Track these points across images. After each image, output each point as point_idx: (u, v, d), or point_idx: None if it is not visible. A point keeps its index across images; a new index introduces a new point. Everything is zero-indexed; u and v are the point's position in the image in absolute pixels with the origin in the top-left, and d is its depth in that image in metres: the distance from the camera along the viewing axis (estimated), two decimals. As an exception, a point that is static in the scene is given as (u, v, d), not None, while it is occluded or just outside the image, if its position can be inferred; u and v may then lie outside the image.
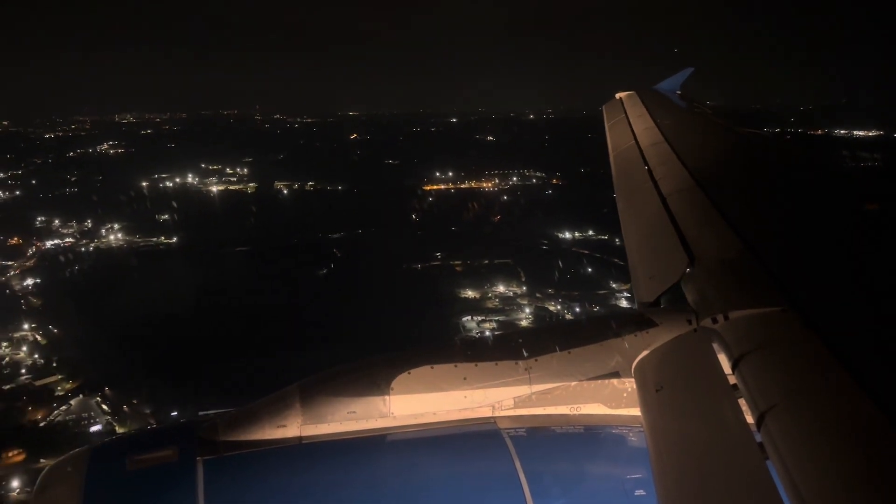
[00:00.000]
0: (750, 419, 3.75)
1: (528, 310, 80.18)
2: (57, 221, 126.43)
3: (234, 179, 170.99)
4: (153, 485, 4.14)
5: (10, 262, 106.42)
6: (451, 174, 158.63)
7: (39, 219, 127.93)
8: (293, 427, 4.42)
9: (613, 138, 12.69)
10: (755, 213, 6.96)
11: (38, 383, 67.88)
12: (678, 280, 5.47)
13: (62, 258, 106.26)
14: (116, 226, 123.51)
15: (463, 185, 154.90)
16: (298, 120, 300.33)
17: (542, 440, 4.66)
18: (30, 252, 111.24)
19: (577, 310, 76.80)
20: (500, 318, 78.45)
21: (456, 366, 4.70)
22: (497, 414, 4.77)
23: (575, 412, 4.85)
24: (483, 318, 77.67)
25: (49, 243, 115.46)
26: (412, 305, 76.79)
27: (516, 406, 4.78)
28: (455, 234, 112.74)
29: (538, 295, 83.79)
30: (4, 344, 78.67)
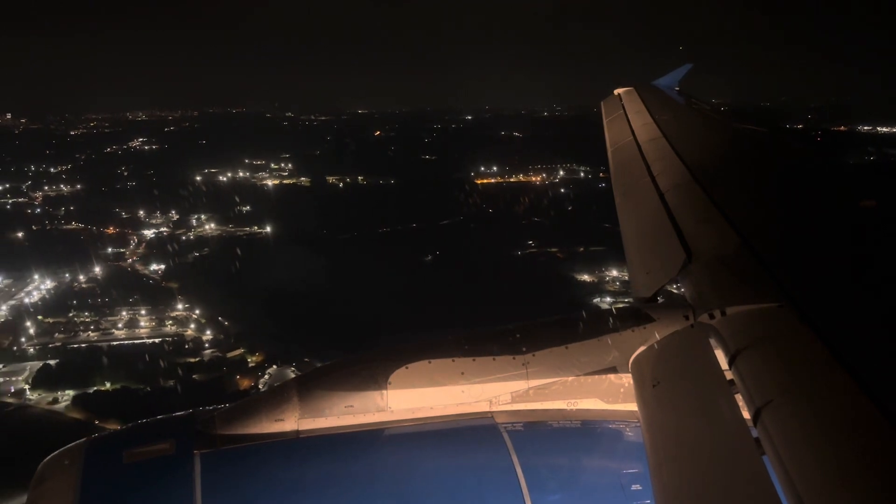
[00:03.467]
0: (746, 415, 3.64)
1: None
2: (141, 212, 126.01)
3: (286, 174, 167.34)
4: (150, 478, 4.01)
5: (121, 250, 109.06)
6: (495, 168, 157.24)
7: (116, 210, 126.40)
8: (291, 421, 4.30)
9: (612, 134, 12.31)
10: (753, 208, 6.68)
11: (229, 355, 71.79)
12: (675, 276, 5.30)
13: (170, 247, 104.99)
14: (203, 216, 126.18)
15: (512, 179, 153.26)
16: (312, 117, 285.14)
17: (540, 435, 4.50)
18: (133, 241, 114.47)
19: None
20: (629, 299, 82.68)
21: (454, 360, 4.57)
22: (494, 408, 4.61)
23: (572, 407, 4.67)
24: (613, 300, 78.07)
25: (147, 233, 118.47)
26: (535, 288, 76.86)
27: (514, 401, 4.63)
28: (537, 224, 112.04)
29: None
30: (169, 322, 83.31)
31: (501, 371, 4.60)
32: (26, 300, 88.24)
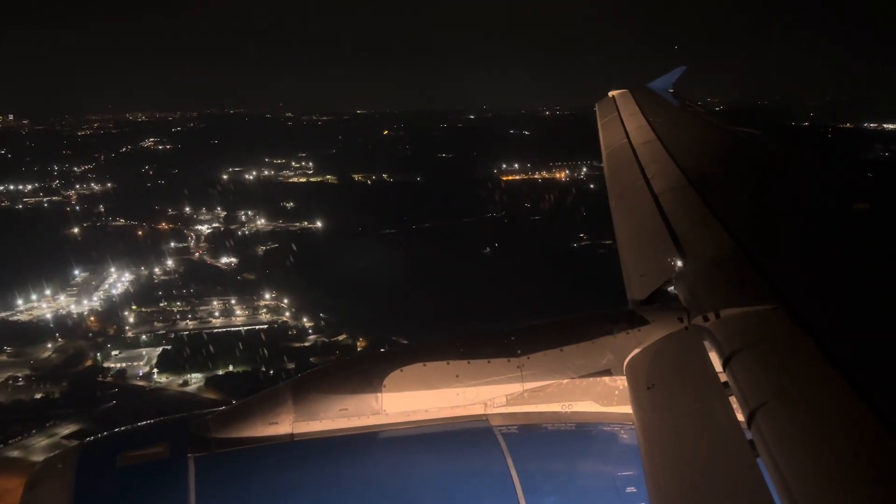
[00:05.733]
0: (740, 417, 3.51)
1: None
2: (187, 209, 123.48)
3: (311, 172, 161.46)
4: (144, 481, 3.94)
5: (183, 245, 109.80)
6: (516, 166, 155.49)
7: (156, 207, 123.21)
8: (285, 424, 4.22)
9: (606, 136, 12.09)
10: (747, 211, 6.56)
11: (340, 339, 72.31)
12: (670, 278, 5.21)
13: (230, 241, 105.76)
14: (250, 212, 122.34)
15: (536, 176, 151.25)
16: (314, 117, 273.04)
17: (534, 437, 4.40)
18: (191, 237, 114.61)
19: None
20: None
21: (448, 363, 4.47)
22: (489, 411, 4.51)
23: (567, 410, 4.58)
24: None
25: (201, 228, 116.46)
26: (613, 278, 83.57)
27: (508, 403, 4.53)
28: (579, 218, 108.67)
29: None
30: (263, 311, 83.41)
31: (496, 374, 4.51)
32: (113, 291, 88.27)
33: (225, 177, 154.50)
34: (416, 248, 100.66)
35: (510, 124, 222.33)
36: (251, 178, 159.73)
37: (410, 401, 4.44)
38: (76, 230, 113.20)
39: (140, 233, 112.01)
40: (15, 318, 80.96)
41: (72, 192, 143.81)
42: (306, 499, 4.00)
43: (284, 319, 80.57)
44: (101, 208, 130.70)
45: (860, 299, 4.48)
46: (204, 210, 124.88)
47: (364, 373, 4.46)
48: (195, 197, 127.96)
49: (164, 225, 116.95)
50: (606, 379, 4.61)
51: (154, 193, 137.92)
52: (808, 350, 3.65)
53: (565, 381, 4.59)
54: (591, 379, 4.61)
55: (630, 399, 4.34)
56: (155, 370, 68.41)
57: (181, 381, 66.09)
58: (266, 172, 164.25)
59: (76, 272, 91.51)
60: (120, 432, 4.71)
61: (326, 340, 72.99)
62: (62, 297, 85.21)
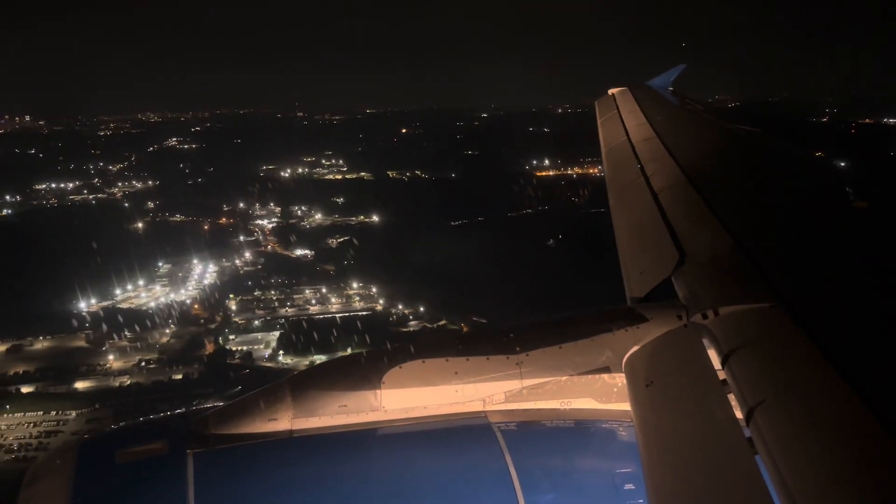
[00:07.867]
0: (739, 414, 3.43)
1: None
2: (241, 205, 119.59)
3: (345, 170, 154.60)
4: (143, 478, 3.87)
5: (250, 238, 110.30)
6: (547, 162, 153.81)
7: (207, 203, 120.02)
8: (284, 420, 4.16)
9: (605, 134, 11.96)
10: (746, 209, 6.43)
11: (443, 324, 71.55)
12: (669, 276, 5.10)
13: (295, 235, 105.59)
14: (304, 207, 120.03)
15: (569, 171, 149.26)
16: (327, 117, 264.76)
17: (533, 434, 4.35)
18: (257, 231, 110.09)
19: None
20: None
21: (447, 360, 4.40)
22: (488, 408, 4.44)
23: (565, 406, 4.51)
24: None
25: (263, 223, 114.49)
26: None
27: (507, 400, 4.46)
28: None
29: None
30: (357, 298, 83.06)
31: (495, 371, 4.46)
32: (203, 282, 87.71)
33: (262, 174, 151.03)
34: (479, 239, 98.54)
35: (526, 122, 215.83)
36: (287, 175, 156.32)
37: (409, 397, 4.37)
38: (140, 225, 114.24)
39: (206, 227, 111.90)
40: (119, 306, 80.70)
41: (115, 190, 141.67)
42: (305, 495, 3.97)
43: (378, 307, 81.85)
44: (151, 205, 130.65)
45: (858, 298, 4.37)
46: (258, 206, 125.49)
47: (363, 370, 4.41)
48: (242, 194, 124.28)
49: (223, 220, 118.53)
50: (605, 376, 4.52)
51: (199, 191, 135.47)
52: (806, 348, 3.58)
53: (564, 378, 4.50)
54: (590, 376, 4.53)
55: (629, 396, 4.25)
56: (280, 352, 70.62)
57: (307, 362, 69.18)
58: (300, 170, 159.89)
59: (159, 264, 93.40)
60: (119, 429, 4.77)
61: (430, 326, 72.12)
62: (157, 287, 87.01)
